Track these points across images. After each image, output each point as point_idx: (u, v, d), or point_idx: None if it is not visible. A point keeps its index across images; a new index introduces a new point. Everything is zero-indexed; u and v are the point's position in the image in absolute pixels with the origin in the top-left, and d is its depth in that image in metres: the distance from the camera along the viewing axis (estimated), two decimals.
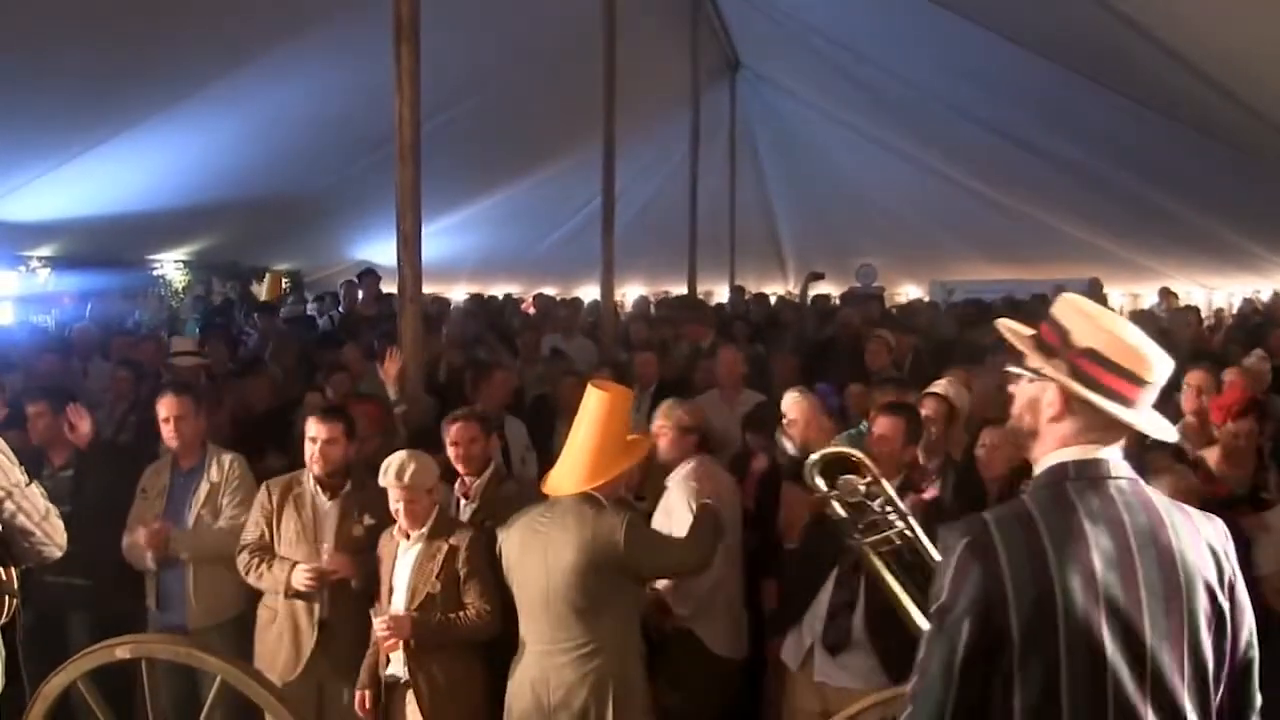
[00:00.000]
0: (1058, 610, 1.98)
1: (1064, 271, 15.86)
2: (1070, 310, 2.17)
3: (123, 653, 3.47)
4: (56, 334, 10.18)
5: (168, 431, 4.90)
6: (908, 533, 3.40)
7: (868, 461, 3.57)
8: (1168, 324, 10.19)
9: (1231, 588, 2.10)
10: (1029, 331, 2.24)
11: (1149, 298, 16.35)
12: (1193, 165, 11.35)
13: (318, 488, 4.54)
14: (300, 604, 4.44)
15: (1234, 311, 15.25)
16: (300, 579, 4.35)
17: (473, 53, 9.95)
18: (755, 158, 17.46)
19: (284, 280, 16.28)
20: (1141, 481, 2.14)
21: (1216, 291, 17.26)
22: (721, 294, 16.74)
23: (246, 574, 4.51)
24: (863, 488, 3.48)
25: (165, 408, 4.90)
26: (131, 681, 3.65)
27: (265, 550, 4.51)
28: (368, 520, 4.51)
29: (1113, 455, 2.12)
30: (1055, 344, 2.15)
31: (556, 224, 17.36)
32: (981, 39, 9.88)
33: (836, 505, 3.50)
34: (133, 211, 10.89)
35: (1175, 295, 14.91)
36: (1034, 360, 2.17)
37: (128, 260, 12.93)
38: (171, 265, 14.04)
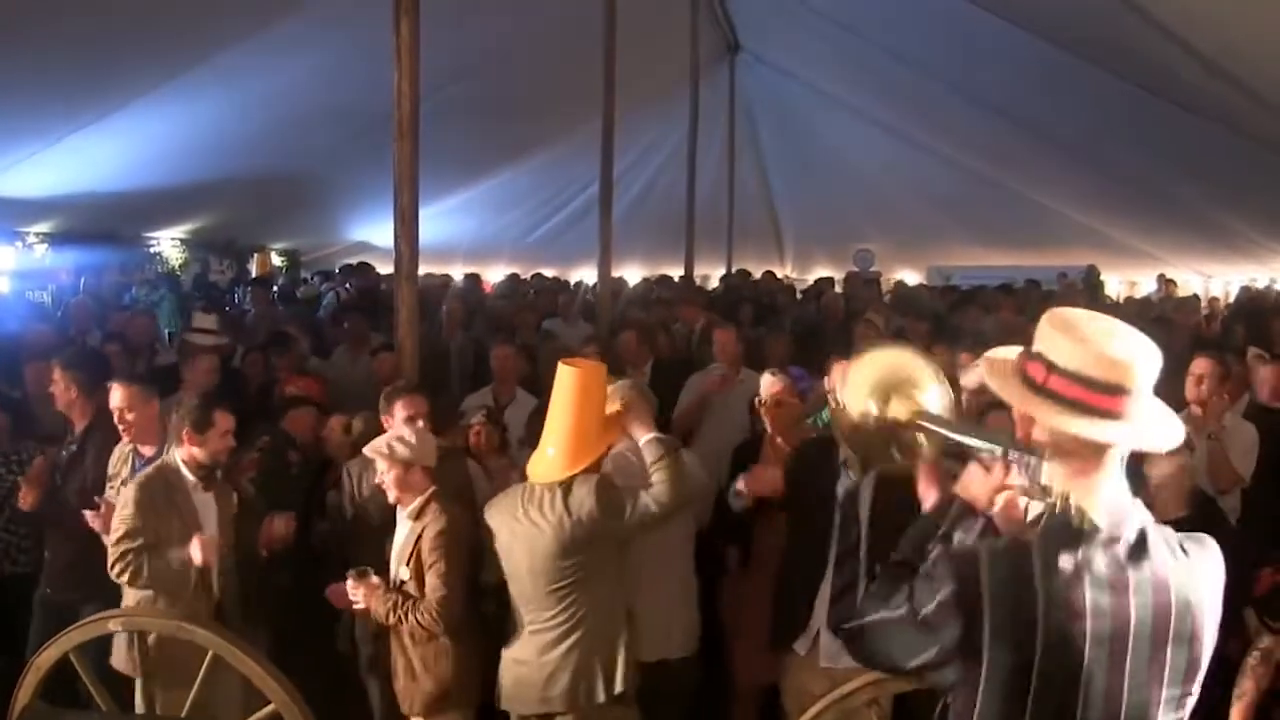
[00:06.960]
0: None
1: (1062, 258, 15.87)
2: (1048, 330, 2.08)
3: (114, 626, 3.48)
4: (52, 309, 10.17)
5: (118, 422, 4.68)
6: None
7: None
8: (1170, 311, 10.16)
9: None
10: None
11: (1146, 285, 16.34)
12: (1194, 150, 11.32)
13: (199, 482, 4.31)
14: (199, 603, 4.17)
15: (1229, 300, 15.23)
16: (198, 554, 4.08)
17: (472, 32, 9.91)
18: (754, 141, 17.41)
19: (271, 255, 16.24)
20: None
21: (1213, 280, 17.23)
22: (719, 277, 16.39)
23: (126, 572, 4.10)
24: None
25: (114, 398, 4.65)
26: None
27: (147, 548, 4.13)
28: (234, 497, 4.44)
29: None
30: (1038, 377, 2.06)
31: (555, 207, 17.32)
32: (983, 20, 9.86)
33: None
34: (130, 188, 10.89)
35: (1175, 283, 14.90)
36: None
37: (124, 237, 12.92)
38: (168, 243, 14.01)
